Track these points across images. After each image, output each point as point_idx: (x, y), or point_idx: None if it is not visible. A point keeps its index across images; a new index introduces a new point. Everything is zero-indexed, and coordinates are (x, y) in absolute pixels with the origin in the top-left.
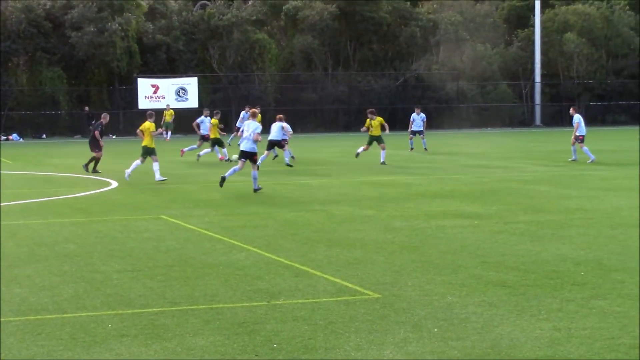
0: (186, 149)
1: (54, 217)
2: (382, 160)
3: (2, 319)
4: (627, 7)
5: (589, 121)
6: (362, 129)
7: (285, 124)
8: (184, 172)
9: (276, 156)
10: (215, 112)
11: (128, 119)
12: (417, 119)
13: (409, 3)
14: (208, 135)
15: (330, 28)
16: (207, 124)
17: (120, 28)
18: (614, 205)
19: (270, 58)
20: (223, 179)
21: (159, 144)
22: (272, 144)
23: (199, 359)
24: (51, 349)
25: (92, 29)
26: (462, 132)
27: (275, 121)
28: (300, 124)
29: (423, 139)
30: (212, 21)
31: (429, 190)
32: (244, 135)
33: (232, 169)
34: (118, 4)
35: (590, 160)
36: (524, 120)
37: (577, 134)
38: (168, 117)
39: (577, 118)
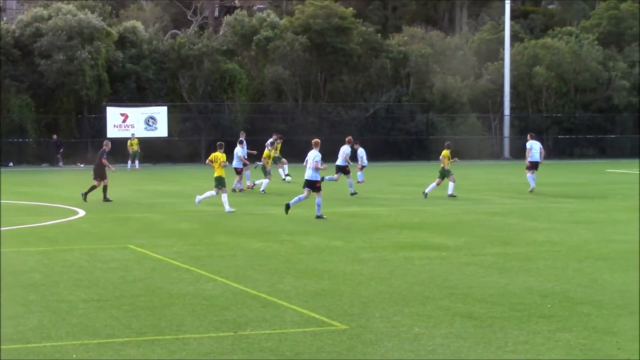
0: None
1: (20, 246)
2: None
3: None
4: (596, 42)
5: (557, 154)
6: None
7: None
8: (152, 202)
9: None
10: (240, 140)
11: (96, 147)
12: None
13: (379, 35)
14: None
15: (301, 59)
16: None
17: (90, 56)
18: (582, 238)
19: (240, 88)
20: (287, 207)
21: (130, 173)
22: (339, 169)
23: None
24: None
25: (61, 57)
26: (431, 164)
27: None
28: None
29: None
30: (183, 50)
31: (397, 221)
32: (308, 165)
33: (297, 197)
34: (88, 32)
35: (530, 189)
36: (493, 153)
37: (530, 161)
38: (135, 146)
39: (528, 144)
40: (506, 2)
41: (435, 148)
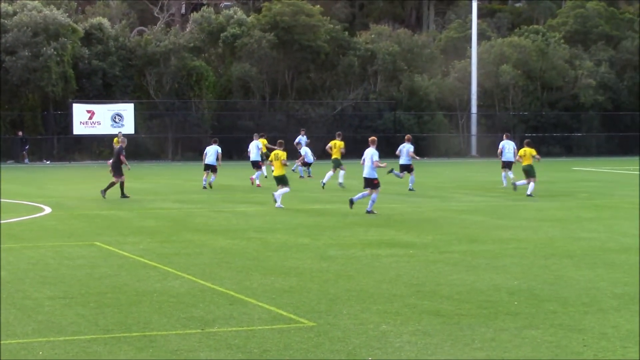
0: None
1: None
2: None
3: None
4: (562, 41)
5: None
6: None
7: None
8: (118, 199)
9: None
10: (261, 134)
11: (62, 144)
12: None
13: (347, 32)
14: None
15: (268, 56)
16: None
17: (55, 53)
18: (548, 236)
19: (207, 85)
20: (351, 202)
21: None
22: (403, 168)
23: None
24: None
25: (26, 54)
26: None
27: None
28: (237, 151)
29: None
30: (149, 47)
31: (364, 219)
32: (366, 163)
33: (360, 194)
34: (54, 28)
35: (503, 185)
36: (460, 151)
37: (502, 160)
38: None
39: (501, 144)
40: (473, 0)
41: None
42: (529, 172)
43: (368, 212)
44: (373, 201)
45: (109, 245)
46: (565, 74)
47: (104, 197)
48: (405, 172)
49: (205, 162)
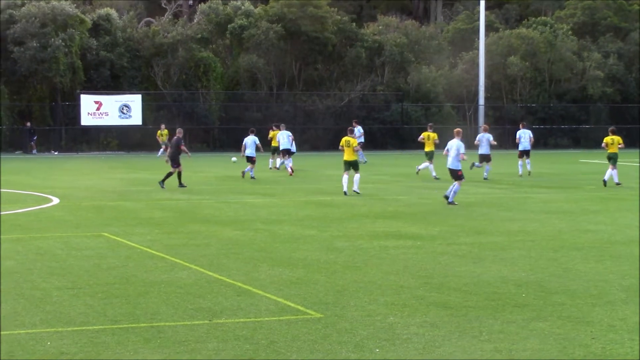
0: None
1: None
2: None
3: None
4: (570, 32)
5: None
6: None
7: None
8: (126, 190)
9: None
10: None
11: (70, 135)
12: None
13: (354, 24)
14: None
15: (275, 47)
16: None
17: (63, 44)
18: (556, 228)
19: (215, 76)
20: (446, 198)
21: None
22: (482, 158)
23: None
24: None
25: (35, 44)
26: (406, 153)
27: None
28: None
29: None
30: (157, 38)
31: (372, 210)
32: (450, 154)
33: (452, 190)
34: (62, 19)
35: (520, 173)
36: (468, 143)
37: (519, 149)
38: (164, 137)
39: (517, 133)
40: None
41: (410, 137)
42: (614, 160)
43: (450, 203)
44: (455, 192)
45: (117, 236)
46: (573, 65)
47: (162, 187)
48: (484, 162)
49: (246, 155)
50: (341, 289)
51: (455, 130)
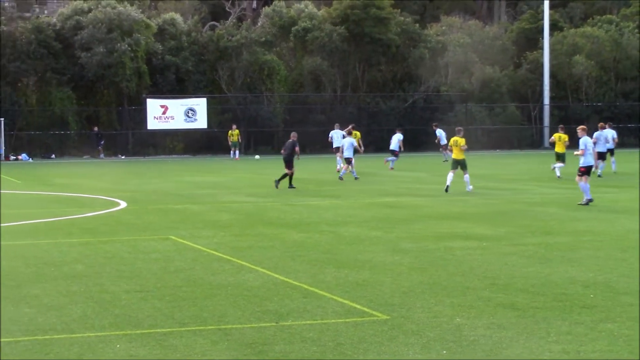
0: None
1: (62, 237)
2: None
3: (11, 339)
4: (636, 30)
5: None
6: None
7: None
8: (192, 193)
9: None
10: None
11: (137, 139)
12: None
13: (417, 25)
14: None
15: (339, 49)
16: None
17: (129, 49)
18: (624, 228)
19: (279, 79)
20: (591, 200)
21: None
22: (601, 155)
23: None
24: None
25: (101, 50)
26: (471, 154)
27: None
28: (309, 145)
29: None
30: (221, 42)
31: (437, 211)
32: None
33: (586, 194)
34: (127, 24)
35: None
36: (533, 142)
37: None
38: (235, 137)
39: (596, 134)
40: None
41: (475, 138)
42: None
43: (589, 200)
44: (586, 191)
45: (183, 239)
46: None
47: (277, 187)
48: (599, 161)
49: (345, 156)
50: (407, 291)
51: (579, 127)
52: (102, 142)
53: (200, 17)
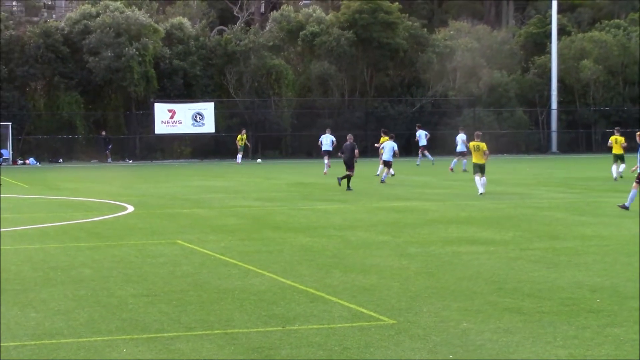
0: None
1: (70, 242)
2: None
3: (17, 343)
4: None
5: (605, 148)
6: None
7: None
8: (200, 197)
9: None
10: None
11: (144, 143)
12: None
13: (425, 29)
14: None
15: (347, 54)
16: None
17: (137, 53)
18: (631, 233)
19: (286, 83)
20: (624, 207)
21: (232, 167)
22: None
23: None
24: None
25: (109, 54)
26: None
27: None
28: (316, 149)
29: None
30: (229, 46)
31: (444, 216)
32: None
33: (631, 198)
34: (135, 29)
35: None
36: (540, 147)
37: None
38: (241, 141)
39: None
40: None
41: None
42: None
43: (625, 207)
44: (632, 199)
45: (191, 243)
46: None
47: (340, 184)
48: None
49: (384, 159)
50: (414, 295)
51: (638, 133)
52: (110, 147)
53: (208, 21)
